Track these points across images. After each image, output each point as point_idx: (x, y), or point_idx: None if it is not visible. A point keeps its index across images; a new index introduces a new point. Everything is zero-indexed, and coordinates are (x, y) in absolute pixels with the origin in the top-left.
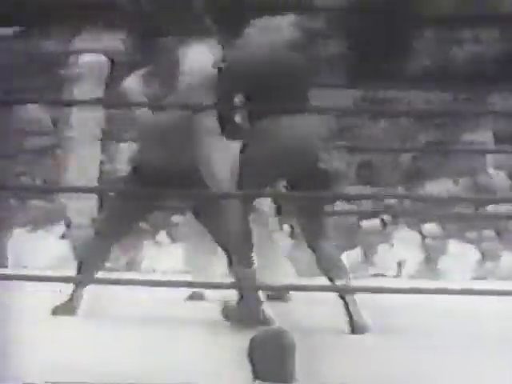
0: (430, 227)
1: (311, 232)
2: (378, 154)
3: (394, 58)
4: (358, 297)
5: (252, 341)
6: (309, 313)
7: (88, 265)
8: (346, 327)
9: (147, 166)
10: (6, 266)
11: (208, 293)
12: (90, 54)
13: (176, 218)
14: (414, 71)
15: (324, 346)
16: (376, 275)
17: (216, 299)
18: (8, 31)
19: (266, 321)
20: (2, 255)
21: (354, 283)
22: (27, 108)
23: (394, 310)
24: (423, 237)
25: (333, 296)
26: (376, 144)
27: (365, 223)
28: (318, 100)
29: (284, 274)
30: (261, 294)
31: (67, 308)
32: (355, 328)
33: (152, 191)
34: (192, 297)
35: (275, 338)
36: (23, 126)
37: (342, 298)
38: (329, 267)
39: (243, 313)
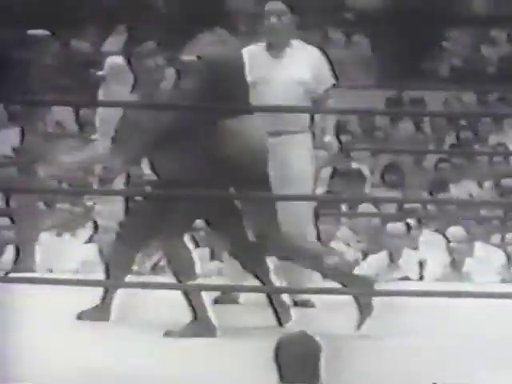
0: (454, 230)
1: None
2: (403, 156)
3: (423, 58)
4: (382, 299)
5: (278, 344)
6: (333, 318)
7: (115, 269)
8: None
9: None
10: (34, 270)
11: (241, 296)
12: (116, 56)
13: (200, 223)
14: (443, 71)
15: (348, 349)
16: (401, 278)
17: (250, 303)
18: (41, 32)
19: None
20: (29, 259)
21: (380, 287)
22: (53, 109)
23: (416, 311)
24: (448, 240)
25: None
26: (401, 146)
27: (389, 226)
28: (348, 100)
29: (310, 278)
30: (287, 299)
31: (98, 313)
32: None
33: (172, 194)
34: (218, 300)
35: (300, 341)
36: (49, 128)
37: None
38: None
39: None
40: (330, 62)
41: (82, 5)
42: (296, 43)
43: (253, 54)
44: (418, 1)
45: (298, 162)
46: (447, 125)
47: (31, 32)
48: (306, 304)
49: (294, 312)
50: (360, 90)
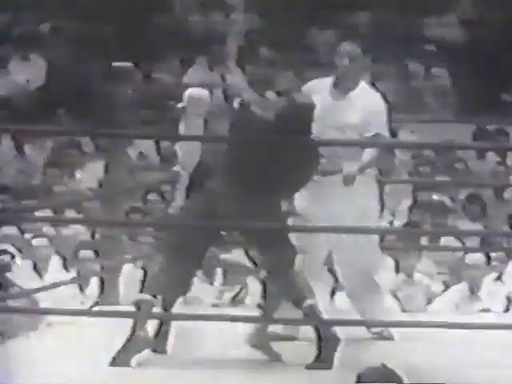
0: None
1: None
2: (485, 188)
3: (504, 88)
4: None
5: (358, 378)
6: (411, 350)
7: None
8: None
9: None
10: (118, 303)
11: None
12: (196, 88)
13: None
14: None
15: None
16: (483, 310)
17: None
18: (125, 64)
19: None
20: (113, 292)
21: (461, 319)
22: (136, 142)
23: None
24: None
25: (439, 333)
26: (484, 179)
27: (470, 258)
28: (429, 133)
29: (387, 310)
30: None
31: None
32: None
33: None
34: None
35: (381, 375)
36: (132, 160)
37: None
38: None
39: None
40: (390, 110)
41: (164, 37)
42: (362, 86)
43: (316, 89)
44: (496, 30)
45: (360, 201)
46: None
47: (116, 64)
48: (385, 336)
49: (375, 345)
50: (441, 122)
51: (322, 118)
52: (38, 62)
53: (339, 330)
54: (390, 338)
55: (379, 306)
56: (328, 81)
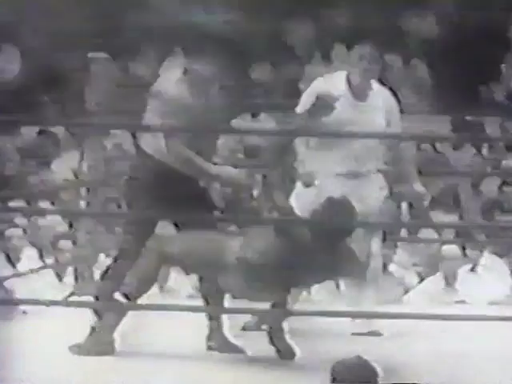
0: None
1: None
2: (462, 180)
3: (481, 82)
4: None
5: (333, 368)
6: (401, 346)
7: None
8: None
9: None
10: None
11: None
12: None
13: None
14: (500, 96)
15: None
16: (459, 302)
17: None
18: (101, 55)
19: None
20: (89, 282)
21: (437, 310)
22: (112, 132)
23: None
24: (510, 263)
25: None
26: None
27: (446, 249)
28: (405, 125)
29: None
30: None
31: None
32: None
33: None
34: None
35: (356, 366)
36: (108, 152)
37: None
38: None
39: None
40: (398, 101)
41: (140, 28)
42: (375, 85)
43: (331, 85)
44: (475, 24)
45: (374, 204)
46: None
47: (91, 55)
48: (372, 332)
49: (352, 339)
50: (418, 114)
51: (352, 120)
52: (11, 52)
53: (320, 323)
54: (377, 334)
55: (368, 298)
56: (341, 76)
